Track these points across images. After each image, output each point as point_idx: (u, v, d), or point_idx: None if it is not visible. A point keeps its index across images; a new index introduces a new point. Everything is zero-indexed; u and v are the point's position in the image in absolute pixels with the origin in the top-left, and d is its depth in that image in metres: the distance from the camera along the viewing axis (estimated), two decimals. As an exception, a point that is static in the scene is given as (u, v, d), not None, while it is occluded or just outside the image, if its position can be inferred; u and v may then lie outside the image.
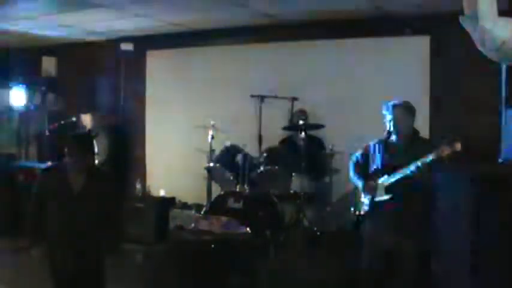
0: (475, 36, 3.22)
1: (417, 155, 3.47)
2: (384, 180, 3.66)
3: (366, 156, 3.94)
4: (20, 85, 7.18)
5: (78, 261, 3.12)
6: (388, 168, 3.66)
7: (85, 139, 3.38)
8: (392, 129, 3.72)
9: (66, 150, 3.11)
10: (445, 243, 3.95)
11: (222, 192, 5.33)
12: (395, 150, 3.72)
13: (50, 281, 3.21)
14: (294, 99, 5.84)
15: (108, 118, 7.01)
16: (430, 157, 3.38)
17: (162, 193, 6.46)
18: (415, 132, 3.81)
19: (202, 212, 5.39)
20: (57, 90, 7.52)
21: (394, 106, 3.73)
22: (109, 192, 3.27)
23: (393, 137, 3.75)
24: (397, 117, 3.69)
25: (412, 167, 3.45)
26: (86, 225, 3.11)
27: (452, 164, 3.47)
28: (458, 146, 3.32)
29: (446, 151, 3.34)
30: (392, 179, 3.60)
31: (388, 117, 3.74)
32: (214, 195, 5.52)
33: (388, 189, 3.62)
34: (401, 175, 3.53)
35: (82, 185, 3.13)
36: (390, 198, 3.61)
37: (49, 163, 6.51)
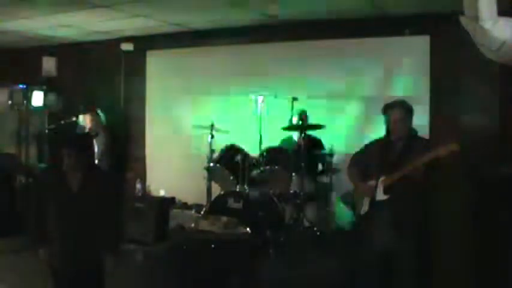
0: (475, 36, 3.21)
1: (415, 155, 3.47)
2: (382, 180, 3.66)
3: (365, 156, 3.93)
4: (20, 85, 7.17)
5: (77, 261, 3.12)
6: (386, 168, 3.66)
7: (83, 139, 3.37)
8: (390, 129, 3.72)
9: (64, 150, 3.10)
10: (444, 243, 3.95)
11: (222, 192, 5.33)
12: (394, 150, 3.72)
13: (50, 281, 3.21)
14: (294, 99, 5.84)
15: (108, 118, 7.01)
16: (427, 157, 3.38)
17: (162, 193, 6.46)
18: (414, 132, 3.80)
19: (202, 212, 5.39)
20: (57, 90, 7.52)
21: (391, 106, 3.73)
22: (108, 191, 3.27)
23: (392, 137, 3.74)
24: (394, 117, 3.68)
25: (410, 167, 3.45)
26: (85, 224, 3.10)
27: (452, 164, 3.47)
28: (455, 147, 3.32)
29: (443, 151, 3.34)
30: (391, 180, 3.59)
31: (386, 117, 3.73)
32: (214, 195, 5.52)
33: (386, 189, 3.62)
34: (400, 175, 3.52)
35: (80, 184, 3.12)
36: (389, 199, 3.61)
37: (48, 163, 6.54)
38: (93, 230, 3.13)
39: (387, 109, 3.74)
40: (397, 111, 3.68)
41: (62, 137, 6.13)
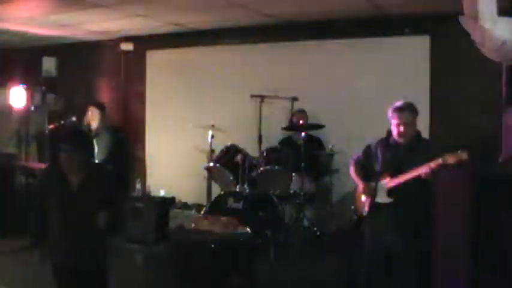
0: (475, 36, 3.22)
1: (420, 158, 3.47)
2: (386, 182, 3.64)
3: (367, 156, 3.93)
4: (20, 85, 7.16)
5: (78, 260, 3.11)
6: (389, 170, 3.65)
7: (80, 135, 3.33)
8: (397, 132, 3.69)
9: (62, 147, 3.08)
10: (444, 244, 3.94)
11: (222, 192, 5.33)
12: (397, 151, 3.70)
13: (53, 281, 3.21)
14: (294, 99, 5.84)
15: (110, 118, 6.98)
16: (435, 164, 3.37)
17: (162, 193, 6.45)
18: (417, 133, 3.79)
19: (202, 212, 5.39)
20: (57, 90, 7.51)
21: (400, 110, 3.71)
22: (108, 188, 3.24)
23: (396, 138, 3.73)
24: (402, 121, 3.66)
25: (417, 173, 3.44)
26: (85, 222, 3.10)
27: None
28: (464, 156, 3.31)
29: (452, 159, 3.34)
30: (395, 183, 3.58)
31: (393, 120, 3.70)
32: (214, 195, 5.52)
33: (390, 192, 3.61)
34: (405, 179, 3.51)
35: (80, 182, 3.11)
36: (391, 202, 3.61)
37: (48, 163, 6.46)
38: (94, 228, 3.11)
39: (395, 112, 3.71)
40: (406, 115, 3.66)
41: (60, 135, 6.04)
